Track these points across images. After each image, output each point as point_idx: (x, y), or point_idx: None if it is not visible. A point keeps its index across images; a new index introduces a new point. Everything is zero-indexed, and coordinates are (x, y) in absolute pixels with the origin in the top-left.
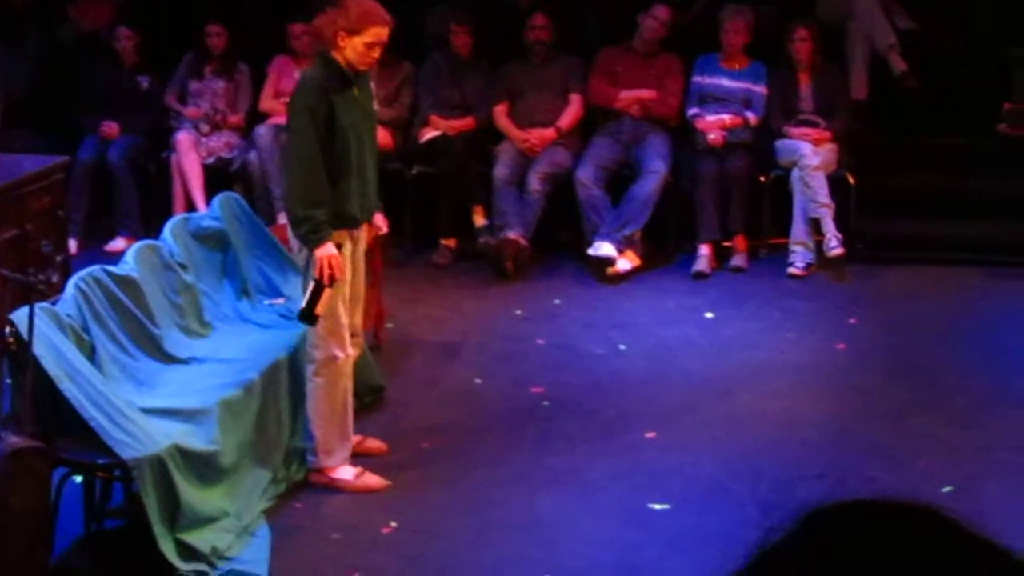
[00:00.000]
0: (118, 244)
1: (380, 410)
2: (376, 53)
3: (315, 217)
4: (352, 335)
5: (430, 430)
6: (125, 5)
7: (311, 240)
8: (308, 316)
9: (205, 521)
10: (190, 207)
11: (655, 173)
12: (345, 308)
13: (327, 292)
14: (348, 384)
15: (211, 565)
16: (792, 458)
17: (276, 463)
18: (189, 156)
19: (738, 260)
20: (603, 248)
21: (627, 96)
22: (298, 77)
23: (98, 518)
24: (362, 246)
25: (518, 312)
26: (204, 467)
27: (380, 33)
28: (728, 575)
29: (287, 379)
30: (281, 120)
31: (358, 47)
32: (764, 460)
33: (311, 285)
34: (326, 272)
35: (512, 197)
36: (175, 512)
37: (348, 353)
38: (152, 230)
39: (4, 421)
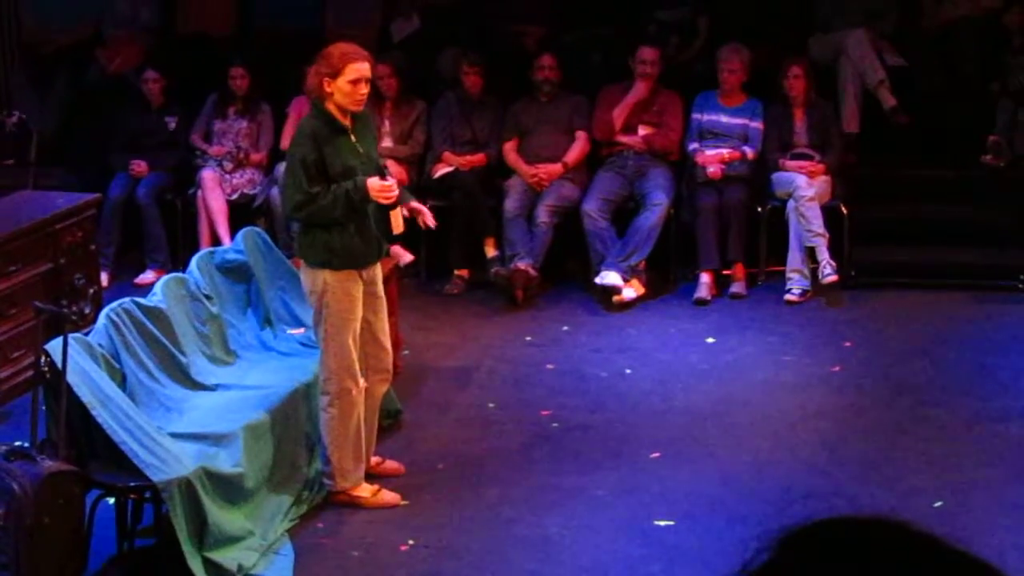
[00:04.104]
0: (147, 277)
1: (397, 433)
2: (363, 89)
3: (340, 197)
4: (383, 370)
5: (445, 452)
6: (151, 49)
7: (357, 199)
8: (391, 238)
9: (231, 540)
10: (215, 241)
11: (658, 205)
12: (355, 344)
13: (393, 212)
14: (361, 412)
15: None
16: (790, 476)
17: (298, 485)
18: (214, 192)
19: (737, 287)
20: (609, 277)
21: (628, 136)
22: None
23: (130, 537)
24: (378, 285)
25: (528, 339)
26: (230, 489)
27: (361, 69)
28: None
29: (307, 405)
30: None
31: (343, 87)
32: (763, 478)
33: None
34: (380, 199)
35: (521, 229)
36: (203, 531)
37: (360, 386)
38: (179, 263)
39: (40, 446)
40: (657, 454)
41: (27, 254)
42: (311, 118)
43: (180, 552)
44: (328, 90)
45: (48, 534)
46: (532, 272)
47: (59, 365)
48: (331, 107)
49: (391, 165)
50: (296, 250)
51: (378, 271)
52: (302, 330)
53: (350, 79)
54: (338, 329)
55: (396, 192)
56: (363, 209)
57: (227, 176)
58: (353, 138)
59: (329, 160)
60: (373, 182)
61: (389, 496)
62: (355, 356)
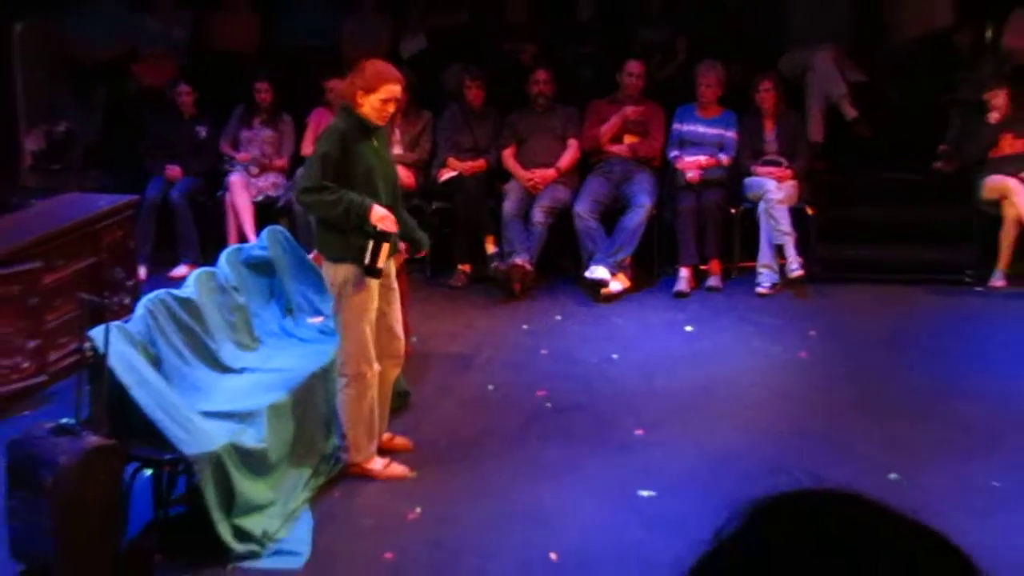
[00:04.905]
0: (180, 271)
1: (406, 413)
2: (391, 108)
3: (344, 201)
4: (395, 355)
5: (449, 429)
6: (183, 65)
7: (359, 214)
8: (372, 270)
9: (256, 508)
10: (242, 239)
11: (642, 207)
12: (371, 331)
13: (385, 246)
14: (374, 393)
15: (261, 546)
16: (760, 451)
17: (316, 458)
18: (241, 195)
19: (713, 281)
20: (598, 272)
21: (615, 145)
22: None
23: (164, 506)
24: (392, 279)
25: (524, 327)
26: (255, 462)
27: (393, 90)
28: (696, 559)
29: (325, 387)
30: None
31: (374, 103)
32: (736, 453)
33: (370, 242)
34: (380, 224)
35: (518, 228)
36: (230, 501)
37: (375, 370)
38: (209, 259)
39: (83, 423)
40: (641, 431)
41: (72, 250)
42: (343, 120)
43: (210, 519)
44: (359, 101)
45: (91, 503)
46: (528, 267)
47: (101, 350)
48: (360, 114)
49: (401, 170)
50: (317, 247)
51: (392, 266)
52: (320, 319)
53: (382, 97)
54: (356, 318)
55: (395, 228)
56: (357, 223)
57: (252, 180)
58: (375, 143)
59: (354, 159)
60: (379, 209)
61: (398, 469)
62: (371, 342)
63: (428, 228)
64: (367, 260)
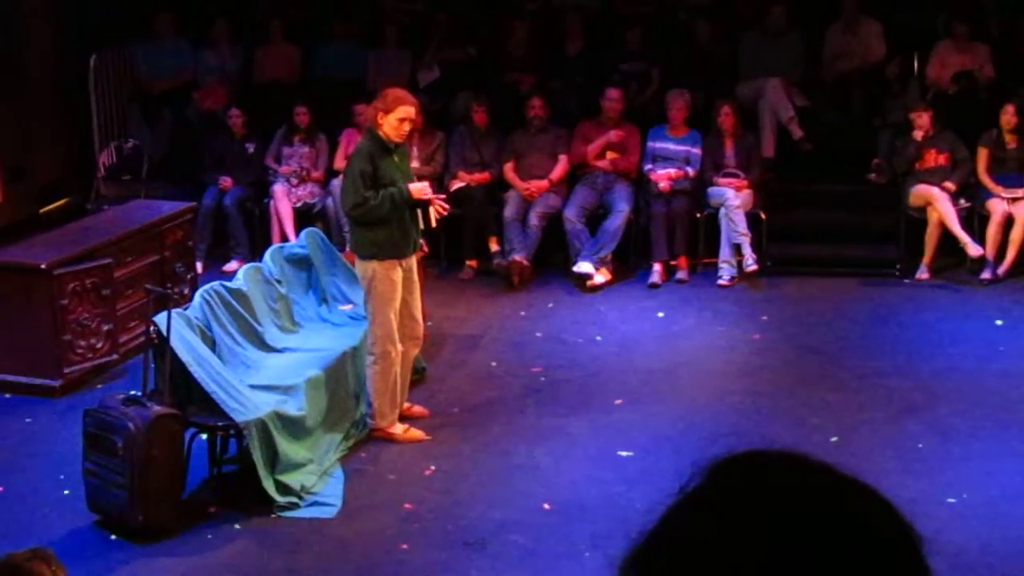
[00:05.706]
0: (232, 266)
1: (423, 385)
2: (406, 127)
3: (387, 198)
4: (415, 337)
5: (459, 399)
6: (235, 92)
7: (400, 201)
8: (428, 230)
9: (296, 466)
10: (284, 239)
11: (621, 212)
12: (395, 316)
13: (431, 208)
14: (398, 369)
15: (300, 498)
16: (720, 417)
17: (346, 425)
18: (283, 202)
19: (681, 274)
20: (584, 266)
21: (599, 160)
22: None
23: (218, 465)
24: (413, 272)
25: (522, 313)
26: (295, 427)
27: (407, 111)
28: (665, 509)
29: (354, 364)
30: None
31: (392, 122)
32: (700, 419)
33: (419, 211)
34: (422, 196)
35: (517, 230)
36: (274, 460)
37: (398, 349)
38: (256, 255)
39: (150, 395)
40: (620, 401)
41: (140, 248)
42: (368, 140)
43: (257, 476)
44: (380, 121)
45: (156, 462)
46: (525, 263)
47: (165, 333)
48: (381, 133)
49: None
50: (349, 246)
51: (414, 261)
52: (350, 306)
53: (399, 117)
54: (383, 305)
55: (431, 194)
56: (402, 208)
57: (293, 189)
58: (396, 158)
59: (379, 172)
60: (414, 185)
61: (417, 433)
62: (395, 326)
63: (441, 231)
64: (421, 225)
